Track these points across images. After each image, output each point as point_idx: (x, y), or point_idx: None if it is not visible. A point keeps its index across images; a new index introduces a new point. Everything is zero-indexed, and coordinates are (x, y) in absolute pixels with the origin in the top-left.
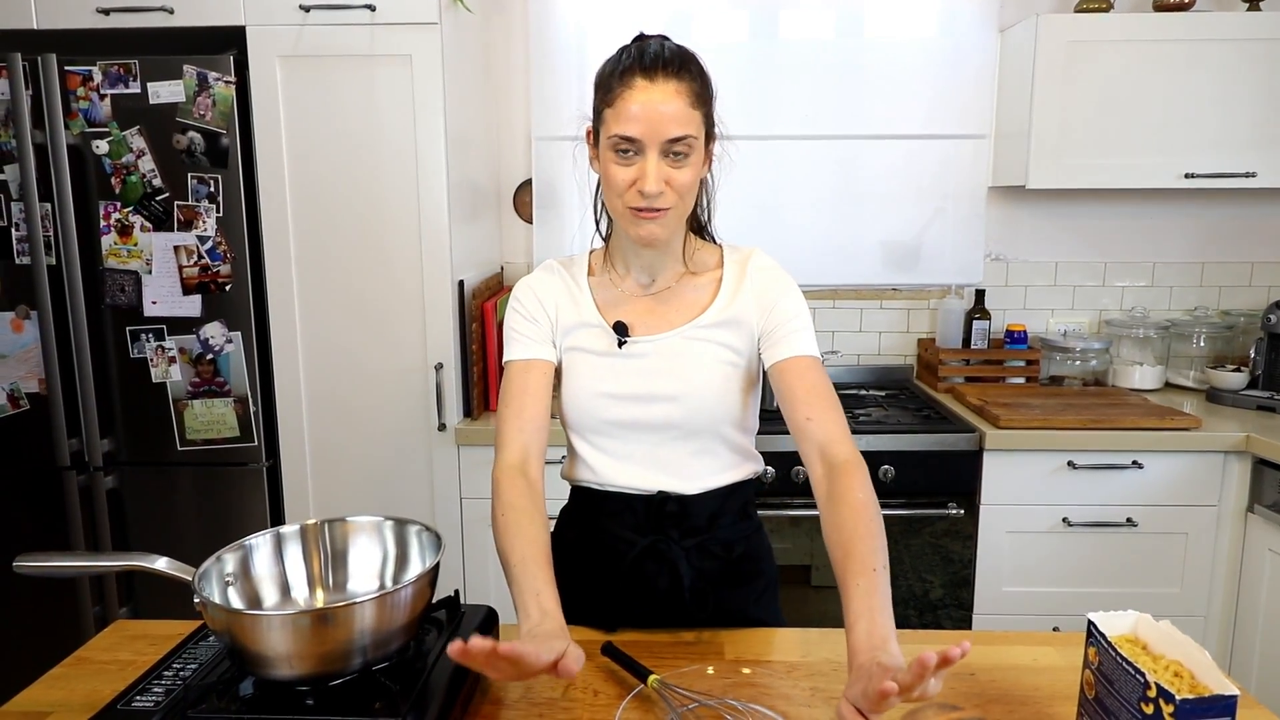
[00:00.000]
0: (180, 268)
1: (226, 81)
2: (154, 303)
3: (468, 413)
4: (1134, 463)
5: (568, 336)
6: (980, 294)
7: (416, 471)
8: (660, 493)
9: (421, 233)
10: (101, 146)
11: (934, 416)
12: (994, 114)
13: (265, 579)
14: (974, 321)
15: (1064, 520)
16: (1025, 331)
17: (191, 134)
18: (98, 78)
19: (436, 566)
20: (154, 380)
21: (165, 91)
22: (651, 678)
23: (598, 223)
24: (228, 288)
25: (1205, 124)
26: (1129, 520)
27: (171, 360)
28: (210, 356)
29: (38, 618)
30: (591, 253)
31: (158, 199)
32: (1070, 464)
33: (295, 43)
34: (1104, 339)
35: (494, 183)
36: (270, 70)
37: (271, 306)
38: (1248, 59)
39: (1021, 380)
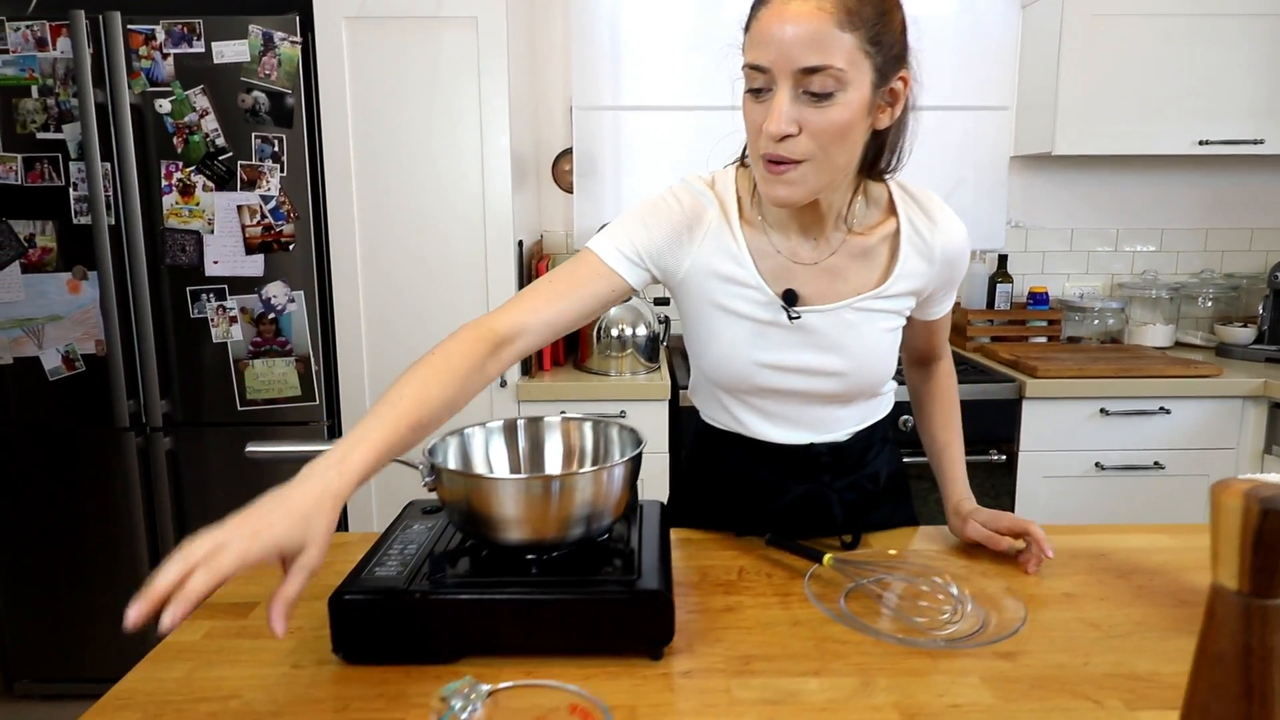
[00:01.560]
0: (243, 227)
1: (292, 42)
2: (215, 262)
3: (526, 371)
4: (1161, 409)
5: (709, 287)
6: (1003, 259)
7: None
8: (810, 444)
9: (485, 193)
10: (164, 106)
11: (971, 370)
12: (1015, 86)
13: (479, 465)
14: (997, 285)
15: (1096, 465)
16: (1046, 293)
17: (256, 94)
18: (160, 37)
19: (640, 454)
20: (214, 340)
21: (230, 51)
22: (826, 556)
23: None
24: (290, 247)
25: (1218, 93)
26: (1156, 464)
27: (232, 320)
28: (272, 316)
29: (98, 584)
30: (738, 173)
31: (220, 159)
32: (1102, 411)
33: (361, 4)
34: (1119, 300)
35: (534, 152)
36: (336, 31)
37: (334, 266)
38: (1259, 32)
39: (1044, 340)
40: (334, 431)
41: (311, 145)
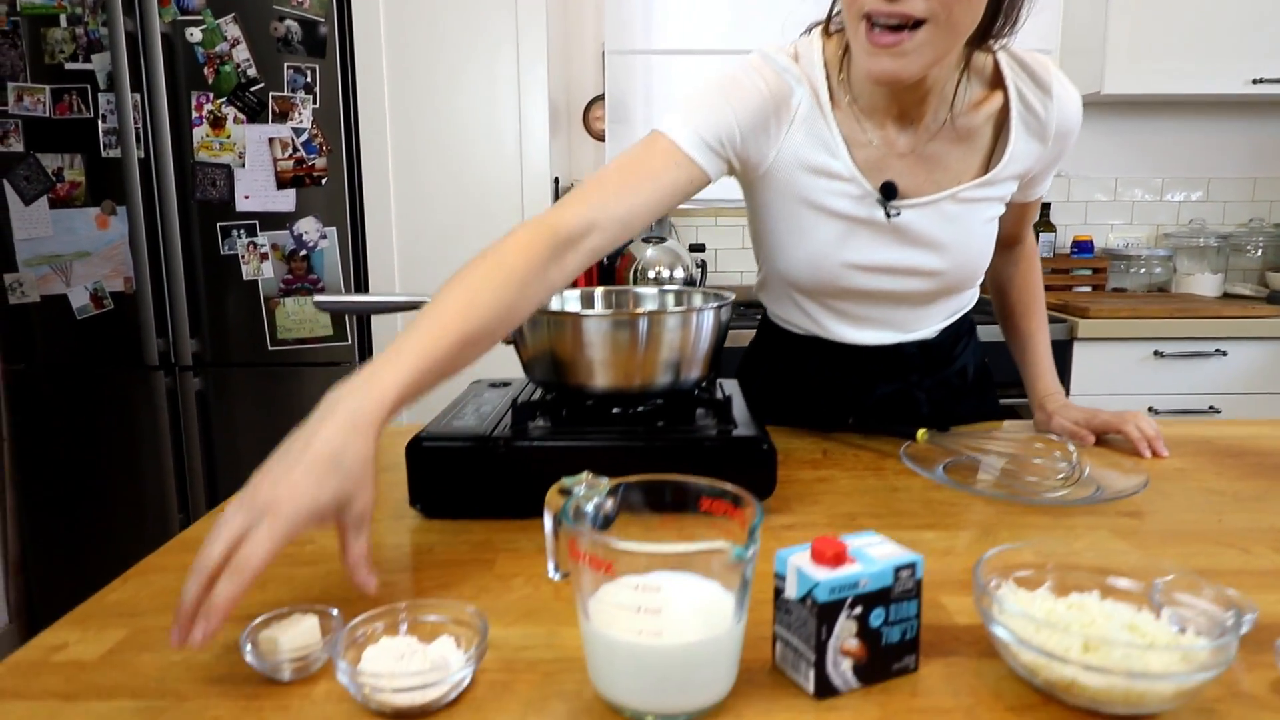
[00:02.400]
0: (274, 161)
1: None
2: (246, 197)
3: None
4: (1218, 350)
5: (797, 181)
6: (1046, 207)
7: (514, 369)
8: (898, 344)
9: (522, 128)
10: (194, 35)
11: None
12: (1059, 29)
13: None
14: (1040, 234)
15: (1150, 409)
16: (1091, 242)
17: (288, 22)
18: None
19: (730, 306)
20: (244, 278)
21: None
22: (920, 431)
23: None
24: (323, 182)
25: (1275, 30)
26: (1211, 408)
27: (263, 257)
28: (303, 253)
29: (126, 527)
30: (824, 44)
31: (252, 90)
32: (1156, 354)
33: None
34: (1167, 247)
35: (565, 97)
36: None
37: (367, 201)
38: None
39: (1088, 289)
40: None
41: (344, 77)
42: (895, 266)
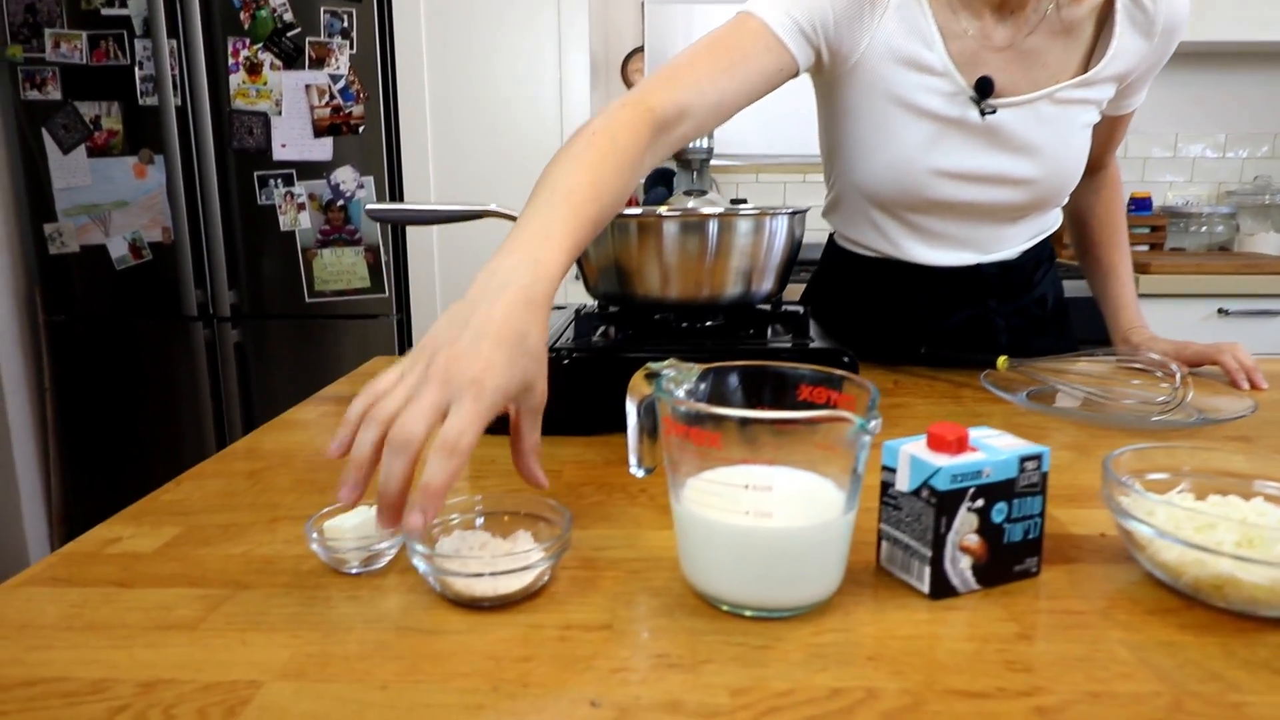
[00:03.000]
0: (311, 108)
1: None
2: (283, 145)
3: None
4: None
5: (888, 76)
6: None
7: (553, 322)
8: (977, 265)
9: (562, 79)
10: None
11: (1073, 270)
12: None
13: None
14: None
15: None
16: (1150, 199)
17: None
18: None
19: (804, 220)
20: (282, 228)
21: None
22: (1001, 358)
23: None
24: (360, 130)
25: None
26: None
27: (300, 207)
28: (341, 203)
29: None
30: None
31: (289, 35)
32: (1221, 311)
33: None
34: (1230, 204)
35: (604, 50)
36: None
37: (404, 150)
38: None
39: (1144, 249)
40: (402, 326)
41: (382, 22)
42: (985, 174)
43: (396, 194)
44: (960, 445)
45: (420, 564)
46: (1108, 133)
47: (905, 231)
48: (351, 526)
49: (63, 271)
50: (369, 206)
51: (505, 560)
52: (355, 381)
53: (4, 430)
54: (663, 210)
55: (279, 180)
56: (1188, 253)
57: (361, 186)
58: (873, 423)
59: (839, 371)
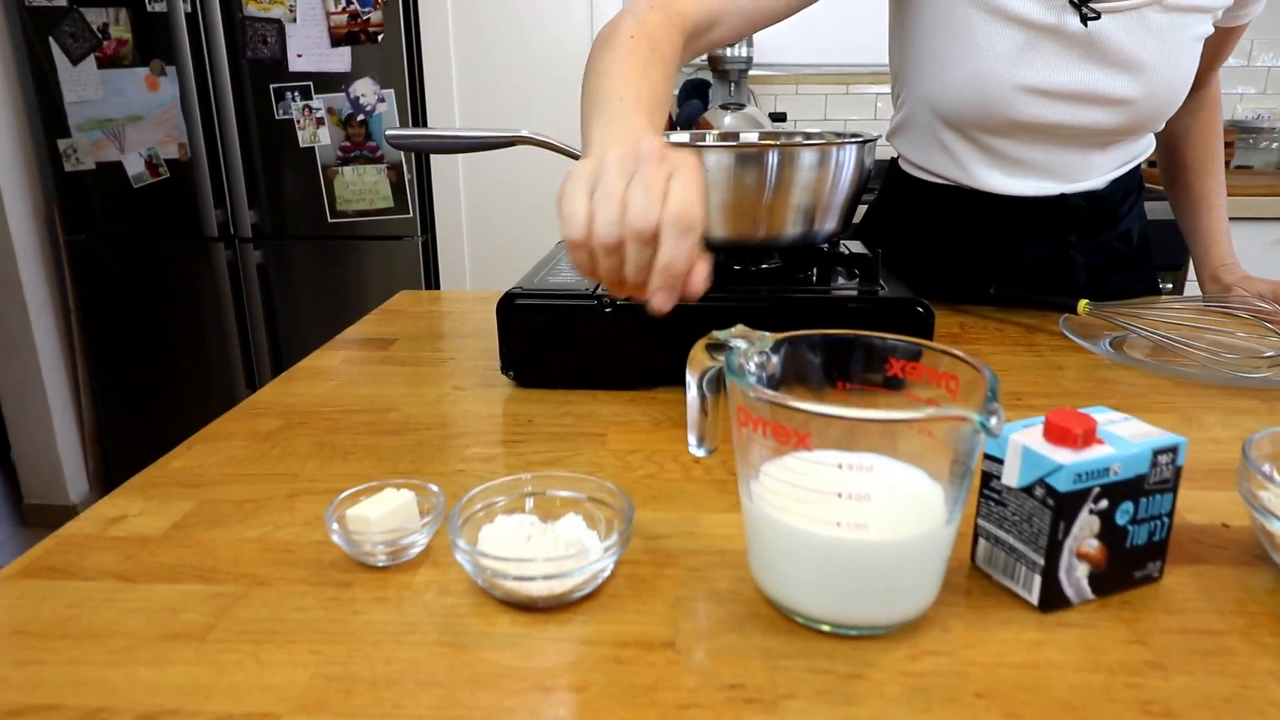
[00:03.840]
0: (327, 15)
1: None
2: (299, 55)
3: None
4: None
5: None
6: None
7: None
8: (1061, 195)
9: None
10: None
11: (1153, 191)
12: None
13: None
14: None
15: None
16: None
17: None
18: None
19: (874, 148)
20: (301, 145)
21: None
22: (1082, 302)
23: None
24: (379, 38)
25: None
26: None
27: (319, 122)
28: (361, 117)
29: (194, 399)
30: None
31: None
32: None
33: None
34: None
35: None
36: None
37: (426, 60)
38: None
39: None
40: (427, 248)
41: None
42: (1079, 92)
43: (419, 108)
44: (1087, 439)
45: (464, 560)
46: (1217, 46)
47: (981, 157)
48: (377, 517)
49: (80, 189)
50: (389, 132)
51: (564, 562)
52: (381, 319)
53: (31, 352)
54: (713, 138)
55: (296, 93)
56: (1255, 171)
57: (382, 100)
58: (994, 419)
59: (939, 346)
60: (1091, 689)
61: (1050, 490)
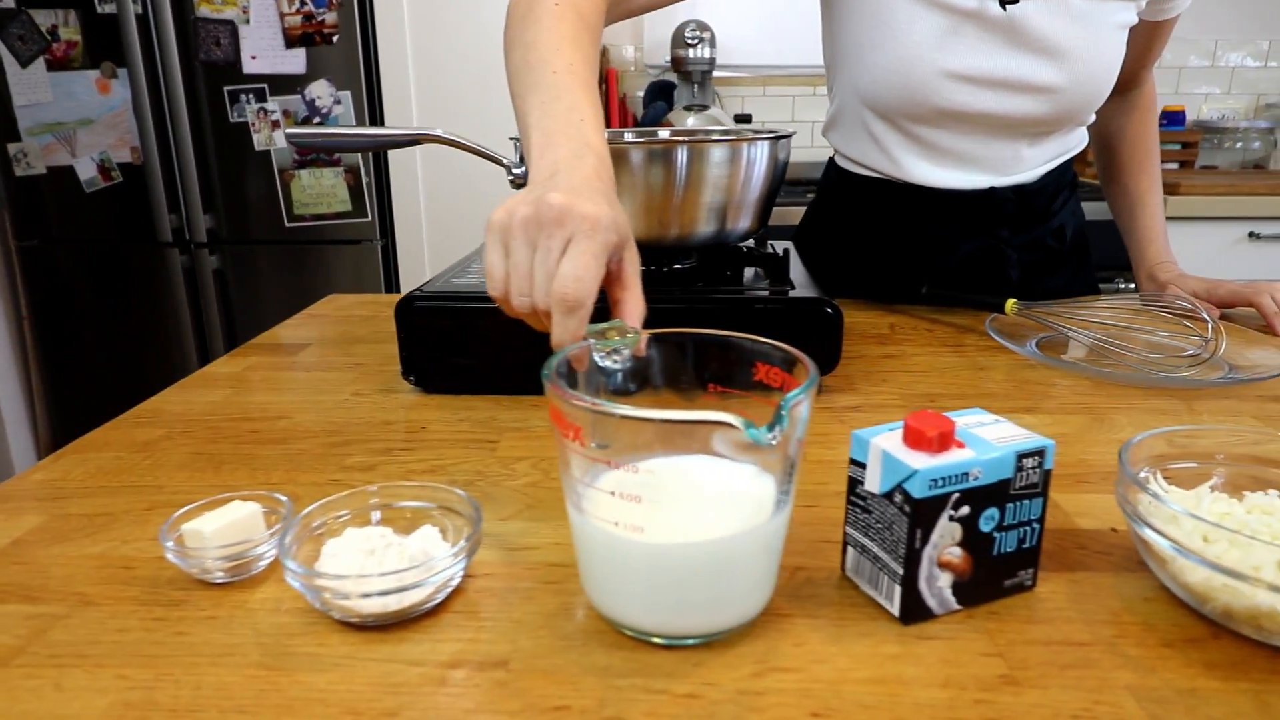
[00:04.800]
0: (281, 16)
1: None
2: (253, 57)
3: None
4: None
5: None
6: None
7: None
8: (991, 189)
9: None
10: None
11: (1094, 187)
12: None
13: None
14: None
15: None
16: (1183, 113)
17: None
18: None
19: (789, 144)
20: (256, 148)
21: None
22: (1009, 301)
23: None
24: (334, 39)
25: None
26: None
27: (274, 125)
28: (317, 120)
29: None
30: None
31: None
32: (1252, 235)
33: None
34: (1269, 119)
35: None
36: None
37: (382, 61)
38: None
39: (1175, 165)
40: (388, 251)
41: None
42: (1003, 79)
43: (377, 110)
44: (943, 442)
45: (294, 581)
46: (1145, 42)
47: (910, 147)
48: (212, 531)
49: (32, 194)
50: (288, 131)
51: (399, 576)
52: (300, 324)
53: None
54: (630, 135)
55: (250, 96)
56: (1220, 171)
57: (339, 102)
58: (774, 432)
59: (796, 352)
60: (936, 705)
61: (908, 496)
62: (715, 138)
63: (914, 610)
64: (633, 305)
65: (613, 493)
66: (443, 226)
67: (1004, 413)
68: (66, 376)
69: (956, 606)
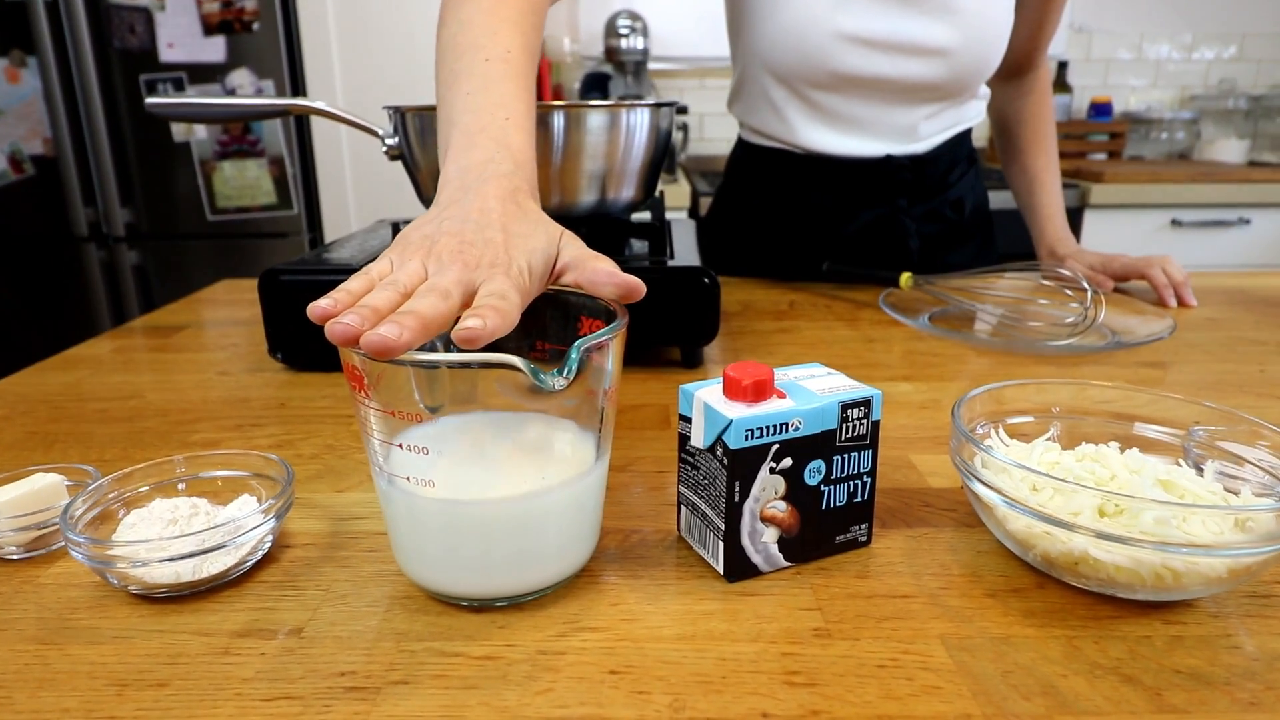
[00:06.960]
0: (198, 3)
1: None
2: (170, 46)
3: None
4: (1240, 219)
5: None
6: (1062, 66)
7: (367, 241)
8: (887, 156)
9: None
10: None
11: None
12: None
13: None
14: (1054, 96)
15: None
16: (1110, 104)
17: None
18: None
19: (672, 112)
20: (175, 139)
21: None
22: (904, 275)
23: None
24: (255, 26)
25: None
26: None
27: None
28: None
29: None
30: None
31: None
32: (1174, 223)
33: None
34: (1193, 110)
35: None
36: None
37: (306, 48)
38: None
39: (1103, 156)
40: (316, 245)
41: None
42: (897, 41)
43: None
44: (759, 391)
45: (77, 553)
46: (1038, 19)
47: (808, 113)
48: (8, 501)
49: None
50: (149, 101)
51: (195, 540)
52: (182, 308)
53: None
54: None
55: (168, 85)
56: (1145, 161)
57: (261, 91)
58: (557, 378)
59: (616, 305)
60: (740, 660)
61: (725, 448)
62: (591, 103)
63: (738, 567)
64: (593, 272)
65: (401, 445)
66: (373, 219)
67: (885, 381)
68: None
69: (785, 564)
